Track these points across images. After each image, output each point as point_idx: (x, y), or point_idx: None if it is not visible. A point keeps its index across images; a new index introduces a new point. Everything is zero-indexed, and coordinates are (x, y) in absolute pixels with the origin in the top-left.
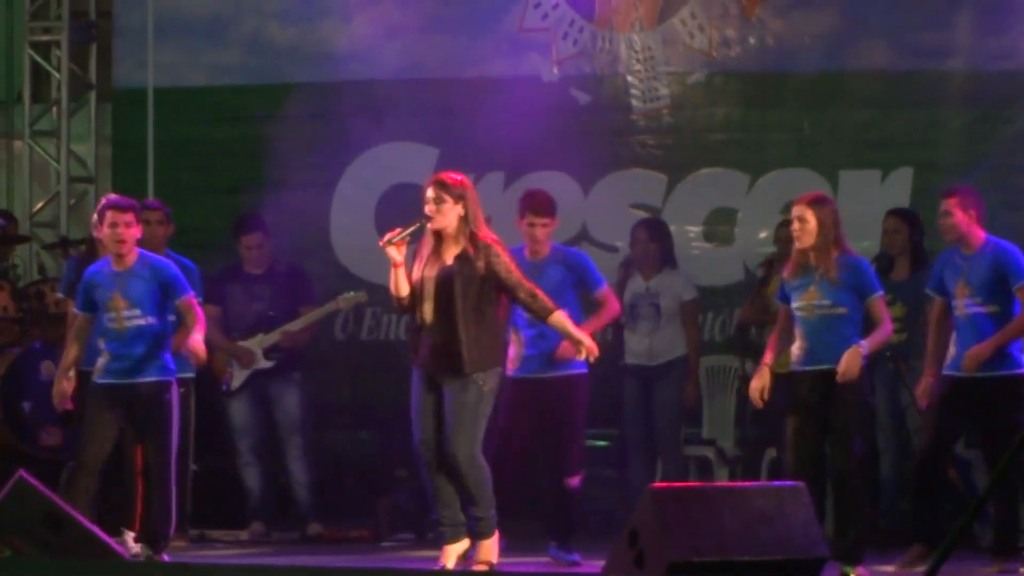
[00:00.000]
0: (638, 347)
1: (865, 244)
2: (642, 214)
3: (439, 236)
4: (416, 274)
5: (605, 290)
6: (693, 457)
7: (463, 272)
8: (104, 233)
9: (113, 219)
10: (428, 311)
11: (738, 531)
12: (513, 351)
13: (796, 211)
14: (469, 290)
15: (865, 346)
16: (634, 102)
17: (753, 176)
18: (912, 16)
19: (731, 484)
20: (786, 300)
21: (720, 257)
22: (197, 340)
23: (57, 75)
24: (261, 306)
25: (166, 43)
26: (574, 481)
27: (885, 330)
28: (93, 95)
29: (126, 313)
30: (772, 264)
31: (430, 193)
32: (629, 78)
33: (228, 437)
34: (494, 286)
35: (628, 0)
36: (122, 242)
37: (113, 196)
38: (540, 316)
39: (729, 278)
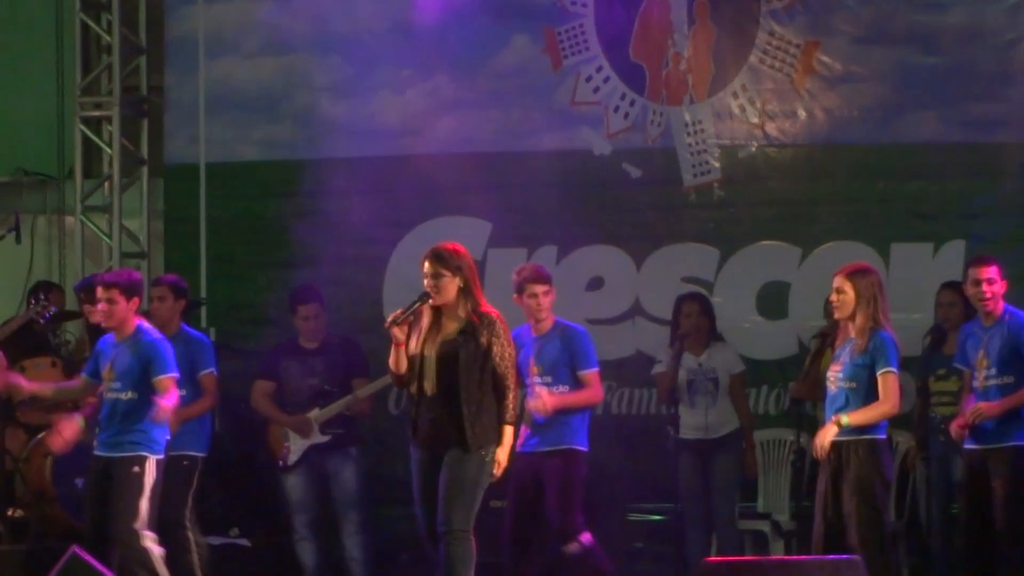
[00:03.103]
0: (696, 421)
1: (916, 317)
2: (698, 289)
3: (438, 309)
4: (414, 348)
5: (594, 373)
6: (749, 531)
7: (467, 347)
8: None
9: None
10: (430, 385)
11: None
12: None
13: (836, 282)
14: (473, 365)
15: (843, 420)
16: (685, 175)
17: (805, 249)
18: (963, 88)
19: (786, 558)
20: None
21: (773, 331)
22: None
23: (109, 150)
24: (316, 381)
25: (218, 118)
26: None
27: (878, 407)
28: (145, 170)
29: None
30: (824, 337)
31: (427, 268)
32: (680, 151)
33: (283, 512)
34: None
35: (679, 74)
36: None
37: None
38: (497, 416)
39: (782, 352)
